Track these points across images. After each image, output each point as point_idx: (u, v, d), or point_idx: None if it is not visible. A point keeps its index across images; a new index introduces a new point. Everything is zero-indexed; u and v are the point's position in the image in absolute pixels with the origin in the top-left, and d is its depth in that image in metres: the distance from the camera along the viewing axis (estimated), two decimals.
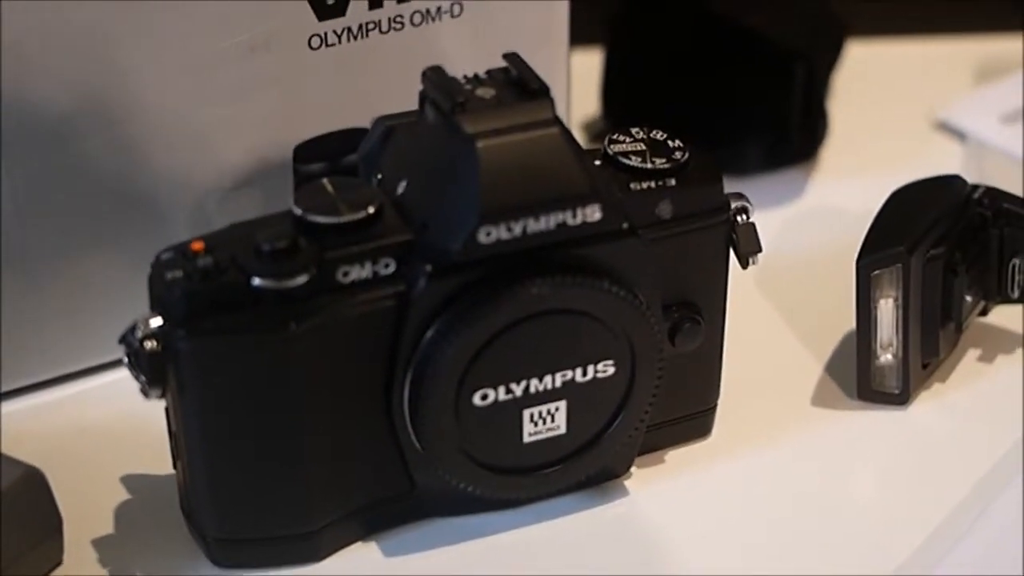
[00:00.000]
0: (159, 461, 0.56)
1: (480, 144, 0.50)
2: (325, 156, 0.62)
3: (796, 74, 0.73)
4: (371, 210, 0.51)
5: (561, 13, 0.65)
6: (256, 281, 0.50)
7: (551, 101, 0.51)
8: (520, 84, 0.52)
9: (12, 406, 0.61)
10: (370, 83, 0.62)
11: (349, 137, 0.61)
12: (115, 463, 0.58)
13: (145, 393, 0.51)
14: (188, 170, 0.60)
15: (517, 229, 0.50)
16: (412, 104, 0.55)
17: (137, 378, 0.51)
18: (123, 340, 0.50)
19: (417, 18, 0.62)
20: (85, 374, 0.62)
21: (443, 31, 0.62)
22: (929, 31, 0.84)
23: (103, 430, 0.59)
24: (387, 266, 0.51)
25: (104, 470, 0.58)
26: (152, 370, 0.50)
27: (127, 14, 0.56)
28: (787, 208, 0.72)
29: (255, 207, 0.60)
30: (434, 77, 0.52)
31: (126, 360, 0.51)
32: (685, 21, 0.73)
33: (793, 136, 0.74)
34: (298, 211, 0.51)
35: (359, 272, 0.50)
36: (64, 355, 0.61)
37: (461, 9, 0.62)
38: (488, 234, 0.50)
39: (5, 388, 0.60)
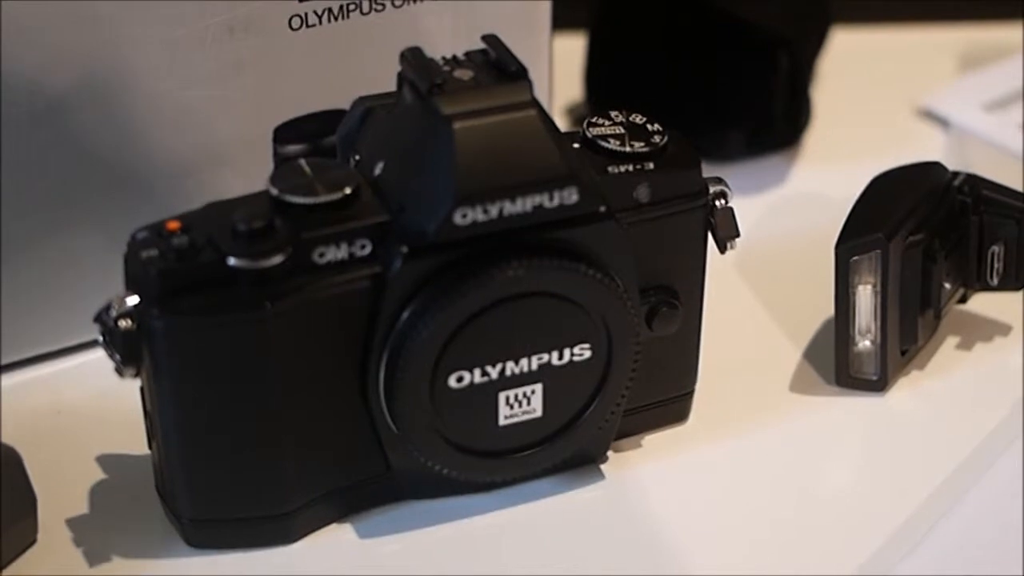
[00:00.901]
0: (135, 441, 0.55)
1: (457, 125, 0.49)
2: (304, 137, 0.61)
3: (780, 60, 0.73)
4: (347, 191, 0.51)
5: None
6: (232, 261, 0.49)
7: (529, 83, 0.51)
8: (498, 66, 0.51)
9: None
10: (350, 65, 0.62)
11: (328, 118, 0.61)
12: (90, 443, 0.57)
13: (120, 372, 0.51)
14: (171, 149, 0.60)
15: (494, 211, 0.50)
16: (392, 86, 0.55)
17: (112, 357, 0.50)
18: (98, 319, 0.50)
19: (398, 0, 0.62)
20: (62, 354, 0.62)
21: (424, 13, 0.62)
22: (913, 18, 0.83)
23: (79, 410, 0.59)
24: (363, 247, 0.50)
25: (79, 450, 0.57)
26: (126, 349, 0.50)
27: None
28: (769, 194, 0.72)
29: (238, 187, 0.60)
30: (412, 58, 0.51)
31: (101, 339, 0.50)
32: (669, 6, 0.73)
33: (776, 122, 0.74)
34: (274, 191, 0.51)
35: (335, 253, 0.50)
36: (42, 334, 0.61)
37: None
38: (464, 216, 0.50)
39: None
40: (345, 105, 0.57)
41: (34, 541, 0.54)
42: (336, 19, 0.60)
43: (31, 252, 0.59)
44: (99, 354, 0.52)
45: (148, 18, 0.57)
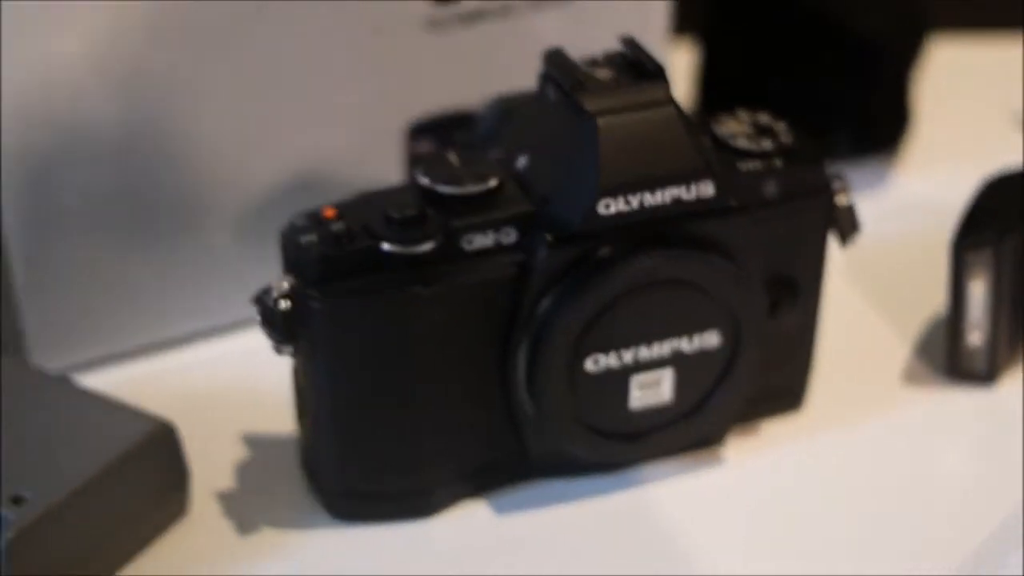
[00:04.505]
0: (281, 421, 0.59)
1: (601, 121, 0.52)
2: (436, 135, 0.64)
3: (880, 66, 0.75)
4: (493, 183, 0.54)
5: (661, 8, 0.68)
6: (385, 246, 0.52)
7: (667, 82, 0.54)
8: (637, 66, 0.54)
9: (144, 366, 0.64)
10: (477, 66, 0.65)
11: (458, 119, 0.64)
12: (240, 421, 0.61)
13: (278, 350, 0.54)
14: (302, 145, 0.63)
15: (635, 202, 0.53)
16: (515, 86, 0.58)
17: (270, 335, 0.53)
18: (257, 300, 0.53)
19: (525, 7, 0.64)
20: (216, 334, 0.65)
21: (548, 19, 0.65)
22: (1013, 25, 0.86)
23: (230, 390, 0.62)
24: (509, 236, 0.53)
25: (230, 428, 0.60)
26: (285, 328, 0.53)
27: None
28: (872, 195, 0.74)
29: (361, 183, 0.63)
30: (555, 58, 0.54)
31: (260, 319, 0.53)
32: (777, 16, 0.76)
33: (878, 126, 0.76)
34: (425, 182, 0.54)
35: (482, 241, 0.53)
36: (199, 313, 0.64)
37: None
38: (607, 206, 0.52)
39: (138, 344, 0.64)
40: (472, 104, 0.60)
41: (185, 513, 0.57)
42: (467, 24, 0.63)
43: (184, 238, 0.63)
44: (249, 337, 0.55)
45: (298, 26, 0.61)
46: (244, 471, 0.59)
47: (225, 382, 0.63)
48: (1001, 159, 0.69)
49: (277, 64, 0.61)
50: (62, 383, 0.59)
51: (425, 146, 0.64)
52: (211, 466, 0.58)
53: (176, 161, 0.61)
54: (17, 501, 0.52)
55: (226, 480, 0.59)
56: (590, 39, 0.59)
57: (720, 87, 0.76)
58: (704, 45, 0.77)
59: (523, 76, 0.58)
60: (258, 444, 0.60)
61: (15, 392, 0.58)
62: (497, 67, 0.64)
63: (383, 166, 0.64)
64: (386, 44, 0.62)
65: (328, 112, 0.63)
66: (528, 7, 0.64)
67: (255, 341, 0.55)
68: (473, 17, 0.63)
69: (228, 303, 0.63)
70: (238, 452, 0.60)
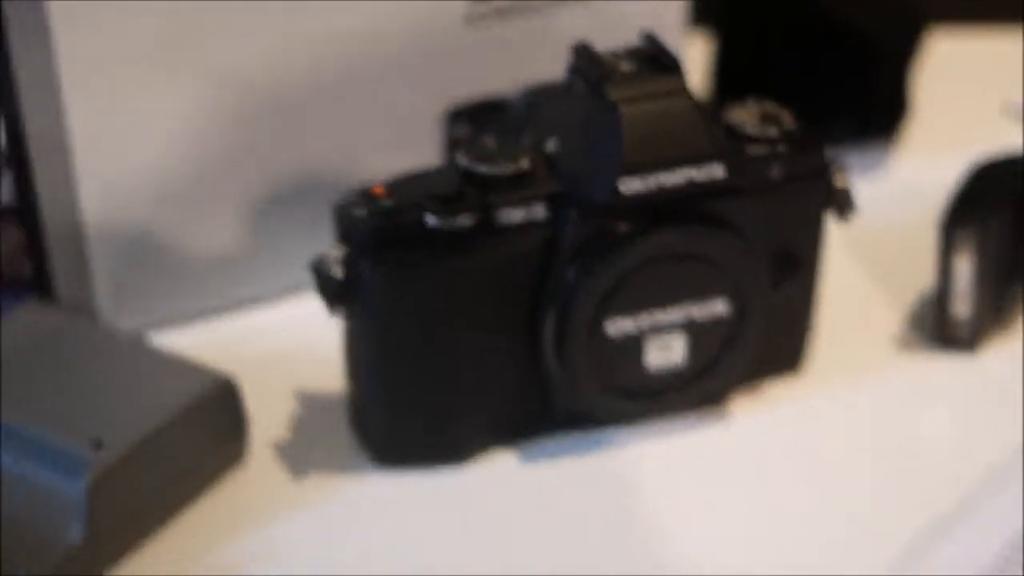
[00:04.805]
0: (331, 379, 0.65)
1: (623, 109, 0.58)
2: (472, 120, 0.70)
3: (880, 59, 0.81)
4: (526, 164, 0.60)
5: (678, 6, 0.74)
6: (430, 220, 0.58)
7: (683, 74, 0.59)
8: (656, 59, 0.60)
9: (207, 328, 0.70)
10: (509, 58, 0.70)
11: (491, 105, 0.70)
12: (293, 379, 0.66)
13: (331, 312, 0.60)
14: (358, 131, 0.70)
15: (652, 182, 0.59)
16: (542, 75, 0.64)
17: (324, 299, 0.60)
18: (314, 268, 0.59)
19: (552, 5, 0.70)
20: (265, 300, 0.71)
21: (574, 16, 0.71)
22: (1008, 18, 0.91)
23: (284, 351, 0.68)
24: (539, 212, 0.59)
25: (284, 385, 0.66)
26: (339, 293, 0.59)
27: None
28: (871, 178, 0.80)
29: (403, 164, 0.69)
30: (583, 52, 0.60)
31: (315, 284, 0.60)
32: (786, 12, 0.81)
33: (877, 115, 0.82)
34: (464, 162, 0.60)
35: (515, 216, 0.59)
36: (248, 282, 0.71)
37: None
38: (628, 186, 0.58)
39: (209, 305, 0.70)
40: (502, 91, 0.66)
41: (243, 460, 0.63)
42: (502, 18, 0.69)
43: (246, 213, 0.69)
44: (302, 302, 0.61)
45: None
46: (297, 423, 0.65)
47: (281, 343, 0.69)
48: (992, 146, 0.75)
49: (329, 57, 0.67)
50: (134, 341, 0.65)
51: (462, 130, 0.70)
52: (267, 418, 0.64)
53: (241, 148, 0.67)
54: (97, 446, 0.59)
55: (281, 431, 0.65)
56: (612, 33, 0.64)
57: (732, 76, 0.82)
58: (719, 37, 0.82)
59: (549, 67, 0.64)
60: (310, 399, 0.66)
61: (91, 349, 0.63)
62: (526, 58, 0.70)
63: (423, 149, 0.70)
64: (427, 37, 0.68)
65: (373, 100, 0.69)
66: (555, 5, 0.70)
67: (308, 306, 0.62)
68: (506, 12, 0.69)
69: (282, 271, 0.70)
70: (292, 406, 0.66)
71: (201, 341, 0.68)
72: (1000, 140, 0.81)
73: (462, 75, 0.70)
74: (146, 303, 0.69)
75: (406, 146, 0.70)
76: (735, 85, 0.80)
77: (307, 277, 0.60)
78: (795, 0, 0.81)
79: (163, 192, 0.67)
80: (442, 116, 0.70)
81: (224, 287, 0.70)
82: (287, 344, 0.69)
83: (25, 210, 0.66)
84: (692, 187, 0.59)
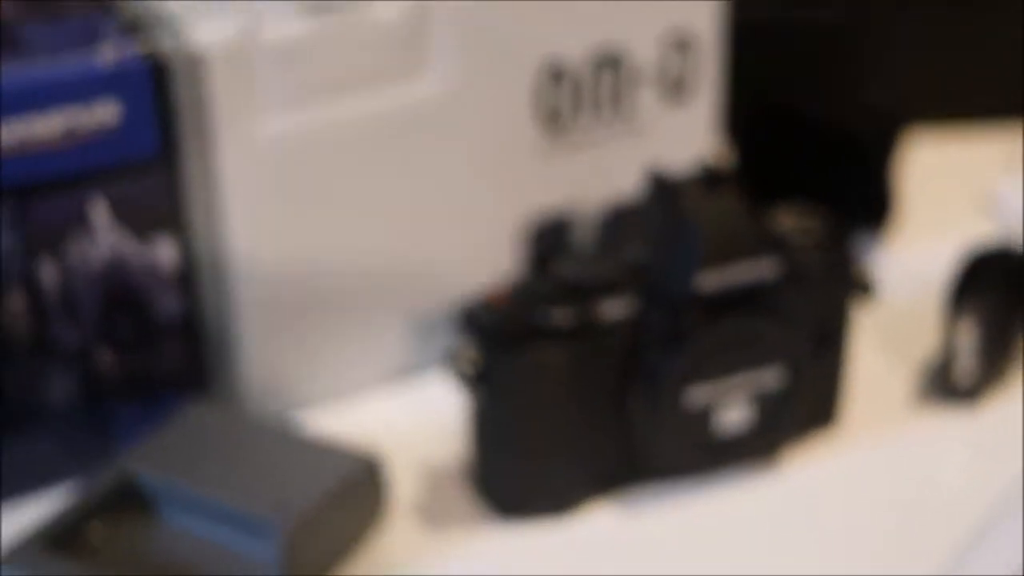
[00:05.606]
0: (453, 449, 0.78)
1: (698, 222, 0.72)
2: (553, 235, 0.84)
3: (866, 163, 0.93)
4: (616, 270, 0.73)
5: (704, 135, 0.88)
6: (545, 319, 0.72)
7: (738, 189, 0.73)
8: (713, 175, 0.74)
9: (333, 412, 0.82)
10: (576, 181, 0.84)
11: (564, 223, 0.85)
12: (420, 450, 0.79)
13: (464, 392, 0.74)
14: (445, 246, 0.83)
15: (720, 279, 0.72)
16: (604, 195, 0.79)
17: (460, 382, 0.73)
18: (451, 359, 0.73)
19: (609, 138, 0.84)
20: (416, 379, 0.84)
21: (626, 147, 0.85)
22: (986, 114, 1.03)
23: (407, 427, 0.81)
24: (630, 308, 0.73)
25: (413, 455, 0.79)
26: (470, 379, 0.73)
27: None
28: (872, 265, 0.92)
29: (482, 277, 0.82)
30: (656, 175, 0.74)
31: (452, 370, 0.73)
32: (795, 130, 0.95)
33: (866, 211, 0.94)
34: (566, 271, 0.74)
35: (611, 312, 0.73)
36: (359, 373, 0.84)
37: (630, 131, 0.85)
38: (701, 283, 0.73)
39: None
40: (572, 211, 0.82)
41: (385, 522, 0.76)
42: (572, 150, 0.83)
43: (356, 316, 0.82)
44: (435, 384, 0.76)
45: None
46: (426, 487, 0.78)
47: (403, 420, 0.81)
48: (970, 235, 0.88)
49: (420, 184, 0.80)
50: (285, 426, 0.76)
51: (543, 244, 0.84)
52: (407, 484, 0.77)
53: (354, 266, 0.81)
54: (283, 513, 0.69)
55: (411, 493, 0.77)
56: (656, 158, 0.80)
57: (750, 183, 0.95)
58: (738, 151, 0.96)
59: (607, 188, 0.80)
60: (436, 466, 0.79)
61: (250, 437, 0.75)
62: (589, 182, 0.84)
63: (499, 263, 0.83)
64: (505, 167, 0.82)
65: (456, 219, 0.81)
66: (611, 139, 0.84)
67: (424, 391, 0.77)
68: (571, 146, 0.83)
69: (385, 364, 0.83)
70: (422, 473, 0.78)
71: (333, 421, 0.81)
72: (978, 229, 0.93)
73: (534, 197, 0.83)
74: (283, 390, 0.81)
75: (486, 261, 0.83)
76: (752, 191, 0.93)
77: (399, 366, 0.78)
78: (800, 121, 0.95)
79: (307, 305, 0.80)
80: (517, 233, 0.83)
81: (341, 377, 0.83)
82: (410, 420, 0.81)
83: (190, 324, 0.79)
84: (751, 281, 0.73)
